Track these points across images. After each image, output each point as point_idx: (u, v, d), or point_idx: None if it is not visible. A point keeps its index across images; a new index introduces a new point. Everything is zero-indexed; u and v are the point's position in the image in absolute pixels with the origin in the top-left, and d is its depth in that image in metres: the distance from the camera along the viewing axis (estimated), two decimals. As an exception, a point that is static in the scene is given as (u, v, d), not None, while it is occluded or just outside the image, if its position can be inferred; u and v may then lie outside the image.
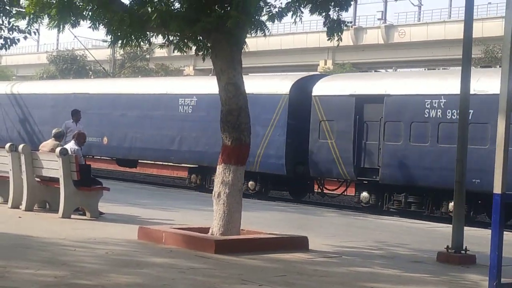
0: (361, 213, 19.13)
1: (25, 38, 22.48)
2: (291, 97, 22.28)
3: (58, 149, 12.91)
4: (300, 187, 23.71)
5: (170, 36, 10.95)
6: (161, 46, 11.41)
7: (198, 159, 24.80)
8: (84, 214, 13.20)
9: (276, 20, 10.71)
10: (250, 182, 22.93)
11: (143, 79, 40.80)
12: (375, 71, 33.64)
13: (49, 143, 14.20)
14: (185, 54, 11.76)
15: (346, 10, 11.10)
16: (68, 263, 8.24)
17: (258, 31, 10.60)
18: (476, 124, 17.20)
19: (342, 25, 10.99)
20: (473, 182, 16.90)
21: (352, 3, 11.29)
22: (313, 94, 21.78)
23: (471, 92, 17.98)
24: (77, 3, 10.24)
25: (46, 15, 10.31)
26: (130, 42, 10.44)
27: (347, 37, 58.52)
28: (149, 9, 9.73)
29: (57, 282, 7.17)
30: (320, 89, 21.81)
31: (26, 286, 6.83)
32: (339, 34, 11.02)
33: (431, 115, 18.99)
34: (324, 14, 10.97)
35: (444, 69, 27.12)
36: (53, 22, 10.18)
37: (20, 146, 13.72)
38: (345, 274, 8.81)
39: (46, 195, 13.80)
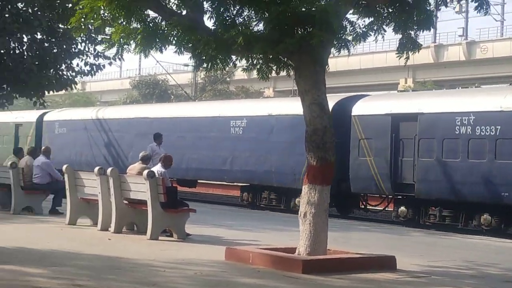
0: (444, 232, 18.82)
1: (110, 64, 23.06)
2: (333, 117, 22.32)
3: (145, 172, 13.13)
4: (345, 203, 24.05)
5: (253, 59, 11.08)
6: (245, 69, 11.51)
7: (248, 178, 25.74)
8: (171, 236, 13.36)
9: (360, 40, 10.76)
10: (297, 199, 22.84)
11: (199, 103, 42.16)
12: (460, 87, 33.26)
13: (136, 166, 14.46)
14: (266, 81, 11.84)
15: (428, 29, 11.06)
16: (158, 284, 8.36)
17: (342, 49, 10.63)
18: (504, 140, 18.53)
19: (415, 45, 10.97)
20: (502, 195, 18.45)
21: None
22: (352, 114, 22.43)
23: (498, 109, 19.35)
24: (163, 29, 10.48)
25: (132, 42, 10.57)
26: (215, 65, 10.59)
27: (427, 55, 57.97)
28: (233, 33, 9.85)
29: (149, 302, 7.30)
30: (359, 109, 22.49)
31: (120, 306, 6.98)
32: (411, 52, 11.01)
33: (461, 132, 19.50)
34: (405, 33, 10.96)
35: (477, 87, 27.67)
36: (140, 47, 10.43)
37: (109, 170, 14.02)
38: (436, 294, 8.69)
39: (134, 217, 14.04)
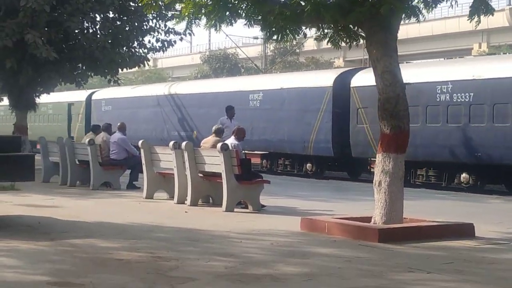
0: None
1: (181, 39, 23.32)
2: (335, 89, 25.40)
3: (219, 145, 13.26)
4: (356, 167, 26.69)
5: (323, 29, 11.04)
6: (316, 39, 11.48)
7: (266, 146, 28.35)
8: (247, 207, 13.49)
9: (432, 7, 10.60)
10: (308, 164, 26.68)
11: (222, 79, 45.09)
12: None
13: (210, 139, 14.61)
14: (338, 49, 11.80)
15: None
16: (236, 255, 8.47)
17: (412, 17, 10.50)
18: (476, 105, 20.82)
19: (489, 7, 10.70)
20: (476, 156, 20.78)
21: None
22: (351, 85, 24.78)
23: (470, 77, 20.98)
24: (232, 1, 10.52)
25: (203, 16, 10.65)
26: (285, 36, 10.60)
27: (502, 18, 56.49)
28: (303, 2, 9.83)
29: (228, 272, 7.41)
30: (357, 80, 24.69)
31: (200, 276, 7.11)
32: (483, 16, 10.74)
33: (441, 99, 21.78)
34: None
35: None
36: (210, 22, 10.51)
37: (183, 144, 14.20)
38: (516, 261, 8.57)
39: (209, 190, 14.22)
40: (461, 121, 21.35)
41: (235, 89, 29.82)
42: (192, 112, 31.72)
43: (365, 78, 23.37)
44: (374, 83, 10.71)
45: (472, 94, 21.03)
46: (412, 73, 21.28)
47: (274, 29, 10.47)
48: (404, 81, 10.64)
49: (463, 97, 21.31)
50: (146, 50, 23.37)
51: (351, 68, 29.47)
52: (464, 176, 21.52)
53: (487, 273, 7.73)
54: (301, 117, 26.17)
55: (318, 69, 50.25)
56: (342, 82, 25.33)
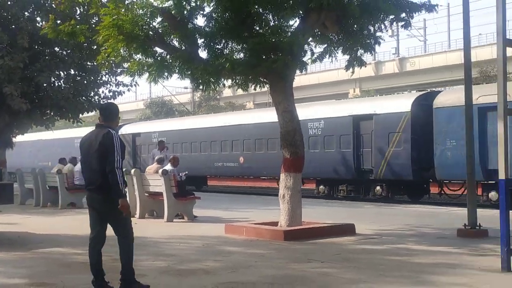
0: (391, 203, 18.84)
1: (129, 90, 22.97)
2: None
3: (160, 171, 13.16)
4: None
5: (237, 80, 11.13)
6: (230, 86, 11.56)
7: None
8: (183, 218, 13.37)
9: (317, 61, 10.86)
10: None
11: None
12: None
13: (153, 166, 14.46)
14: (247, 92, 11.90)
15: (370, 52, 11.15)
16: (175, 255, 8.38)
17: (302, 70, 10.71)
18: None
19: (361, 62, 11.08)
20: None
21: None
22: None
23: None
24: (168, 61, 10.50)
25: (145, 72, 10.59)
26: (209, 86, 10.64)
27: (370, 69, 58.02)
28: (222, 60, 9.89)
29: (169, 268, 7.33)
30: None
31: (148, 273, 7.01)
32: (357, 68, 11.08)
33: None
34: (351, 53, 11.04)
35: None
36: (151, 77, 10.46)
37: (132, 170, 14.02)
38: (387, 250, 8.74)
39: (154, 205, 14.04)
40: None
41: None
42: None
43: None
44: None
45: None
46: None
47: (200, 81, 10.51)
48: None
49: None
50: (100, 99, 22.91)
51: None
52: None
53: (366, 260, 7.88)
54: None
55: (234, 111, 50.37)
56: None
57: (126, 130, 32.46)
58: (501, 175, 6.91)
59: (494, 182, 16.82)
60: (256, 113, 28.45)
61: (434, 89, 21.44)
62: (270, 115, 19.81)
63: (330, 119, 21.60)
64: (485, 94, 17.40)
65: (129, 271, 6.09)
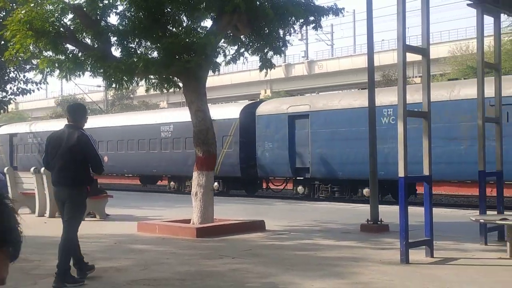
0: (299, 200, 19.32)
1: (38, 89, 22.04)
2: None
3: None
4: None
5: (150, 79, 11.00)
6: (147, 90, 11.39)
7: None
8: (95, 217, 13.07)
9: (230, 63, 10.94)
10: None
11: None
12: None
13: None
14: (162, 93, 11.78)
15: (280, 54, 11.32)
16: (87, 253, 8.12)
17: (215, 71, 10.74)
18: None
19: (271, 64, 11.25)
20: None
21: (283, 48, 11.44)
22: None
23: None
24: (80, 58, 10.22)
25: (57, 70, 10.25)
26: (122, 85, 10.44)
27: (280, 72, 58.97)
28: (135, 59, 9.75)
29: (80, 267, 7.12)
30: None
31: (58, 272, 6.78)
32: (268, 69, 11.25)
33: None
34: (262, 55, 11.18)
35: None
36: (62, 74, 10.13)
37: (42, 169, 13.50)
38: (295, 245, 8.92)
39: (64, 204, 13.59)
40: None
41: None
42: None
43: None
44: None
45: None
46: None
47: (113, 79, 10.29)
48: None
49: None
50: (7, 96, 21.90)
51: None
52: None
53: (275, 255, 8.01)
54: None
55: (148, 110, 49.70)
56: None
57: (3, 130, 34.05)
58: (401, 173, 7.23)
59: (302, 178, 20.42)
60: (120, 116, 31.73)
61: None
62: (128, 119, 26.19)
63: (178, 123, 24.00)
64: (293, 105, 20.86)
65: (67, 270, 6.32)
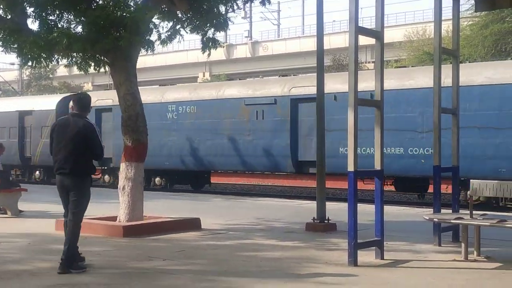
0: (242, 196, 19.42)
1: None
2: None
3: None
4: None
5: (73, 57, 10.78)
6: (66, 66, 11.19)
7: None
8: (6, 213, 12.75)
9: (165, 43, 10.84)
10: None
11: None
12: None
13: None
14: (86, 73, 11.58)
15: (222, 30, 11.28)
16: (-4, 255, 7.98)
17: (148, 50, 10.63)
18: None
19: (215, 42, 11.18)
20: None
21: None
22: None
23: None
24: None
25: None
26: (39, 63, 10.20)
27: (220, 53, 58.84)
28: (56, 34, 9.52)
29: (-12, 270, 6.95)
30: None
31: (-38, 276, 6.60)
32: (211, 49, 11.20)
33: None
34: (202, 33, 11.12)
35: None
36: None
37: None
38: (233, 246, 8.95)
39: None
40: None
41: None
42: None
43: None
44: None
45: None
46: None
47: (29, 56, 10.03)
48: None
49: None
50: None
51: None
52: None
53: (212, 256, 8.03)
54: None
55: (70, 92, 48.70)
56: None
57: None
58: (350, 167, 7.34)
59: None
60: None
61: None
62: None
63: (2, 113, 26.84)
64: (100, 98, 23.25)
65: (72, 253, 7.00)
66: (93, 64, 10.90)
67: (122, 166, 10.37)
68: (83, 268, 7.01)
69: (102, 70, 11.02)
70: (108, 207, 13.31)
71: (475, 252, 8.01)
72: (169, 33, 10.92)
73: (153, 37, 10.86)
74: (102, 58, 10.74)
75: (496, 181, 8.14)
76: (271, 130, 19.47)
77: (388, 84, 14.26)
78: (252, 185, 25.16)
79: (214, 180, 23.91)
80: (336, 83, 17.62)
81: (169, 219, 10.79)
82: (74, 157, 6.99)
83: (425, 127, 16.13)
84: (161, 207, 13.88)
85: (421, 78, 16.66)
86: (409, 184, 18.19)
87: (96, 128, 7.12)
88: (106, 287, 6.28)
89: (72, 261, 6.94)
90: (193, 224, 10.72)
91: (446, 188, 14.57)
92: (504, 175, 14.45)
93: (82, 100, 7.33)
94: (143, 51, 10.82)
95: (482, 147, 15.51)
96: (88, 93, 9.94)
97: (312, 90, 17.92)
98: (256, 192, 23.01)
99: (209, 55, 11.23)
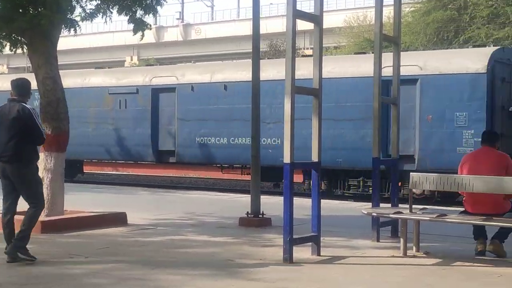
0: (167, 189, 19.38)
1: None
2: None
3: None
4: None
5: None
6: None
7: None
8: None
9: (88, 20, 10.59)
10: None
11: None
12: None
13: None
14: (1, 54, 11.26)
15: (149, 14, 11.13)
16: None
17: (71, 29, 10.41)
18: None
19: (144, 24, 11.02)
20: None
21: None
22: None
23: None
24: None
25: None
26: None
27: (150, 35, 58.21)
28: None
29: None
30: None
31: None
32: (144, 31, 11.04)
33: None
34: (130, 14, 10.95)
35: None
36: None
37: None
38: (161, 242, 8.90)
39: None
40: None
41: None
42: None
43: None
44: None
45: None
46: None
47: None
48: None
49: None
50: None
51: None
52: None
53: (139, 253, 7.96)
54: None
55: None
56: None
57: None
58: (286, 159, 7.39)
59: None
60: None
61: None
62: None
63: None
64: None
65: (26, 235, 7.28)
66: (8, 44, 10.60)
67: (41, 156, 10.11)
68: (31, 258, 7.22)
69: (19, 51, 10.71)
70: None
71: (414, 248, 8.21)
72: (92, 10, 10.67)
73: (76, 15, 10.64)
74: (19, 37, 10.45)
75: (436, 174, 8.33)
76: (134, 119, 20.59)
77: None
78: (167, 176, 25.45)
79: (87, 169, 24.30)
80: (194, 74, 19.71)
81: (92, 214, 10.63)
82: (14, 144, 7.19)
83: (273, 119, 17.60)
84: (83, 200, 13.64)
85: (270, 70, 17.40)
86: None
87: (33, 111, 7.28)
88: (20, 287, 6.14)
89: (21, 242, 7.22)
90: (118, 219, 10.59)
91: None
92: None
93: (20, 85, 7.55)
94: (65, 31, 10.57)
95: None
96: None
97: (172, 80, 20.05)
98: (187, 186, 22.98)
99: (142, 36, 11.06)
